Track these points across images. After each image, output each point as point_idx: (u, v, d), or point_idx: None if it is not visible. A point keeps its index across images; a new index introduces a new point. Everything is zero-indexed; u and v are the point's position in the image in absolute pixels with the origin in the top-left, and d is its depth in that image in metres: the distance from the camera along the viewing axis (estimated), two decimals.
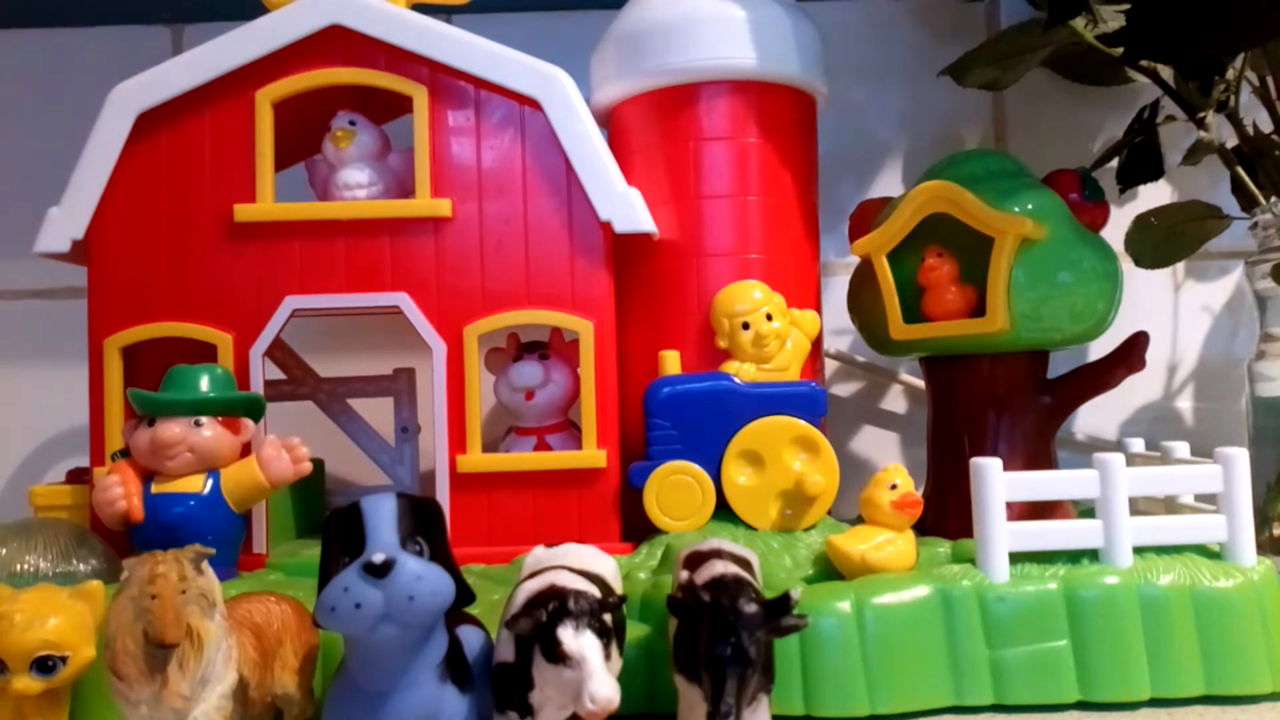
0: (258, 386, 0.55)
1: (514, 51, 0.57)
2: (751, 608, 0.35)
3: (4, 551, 0.47)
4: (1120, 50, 0.63)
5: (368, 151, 0.59)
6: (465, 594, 0.37)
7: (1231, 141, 0.69)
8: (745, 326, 0.57)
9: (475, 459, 0.56)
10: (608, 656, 0.34)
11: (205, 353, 0.55)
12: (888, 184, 0.80)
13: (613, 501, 0.56)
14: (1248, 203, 0.68)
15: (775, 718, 0.40)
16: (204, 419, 0.50)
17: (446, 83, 0.57)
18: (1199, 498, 0.53)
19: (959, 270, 0.56)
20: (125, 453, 0.51)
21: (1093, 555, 0.47)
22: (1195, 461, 0.53)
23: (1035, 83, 0.77)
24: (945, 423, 0.60)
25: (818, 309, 0.63)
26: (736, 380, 0.57)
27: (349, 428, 0.67)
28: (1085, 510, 0.58)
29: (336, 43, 0.56)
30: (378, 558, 0.34)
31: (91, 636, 0.38)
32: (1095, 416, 0.78)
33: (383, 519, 0.36)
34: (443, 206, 0.56)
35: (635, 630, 0.44)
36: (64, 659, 0.37)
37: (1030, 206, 0.54)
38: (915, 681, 0.44)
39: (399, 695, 0.36)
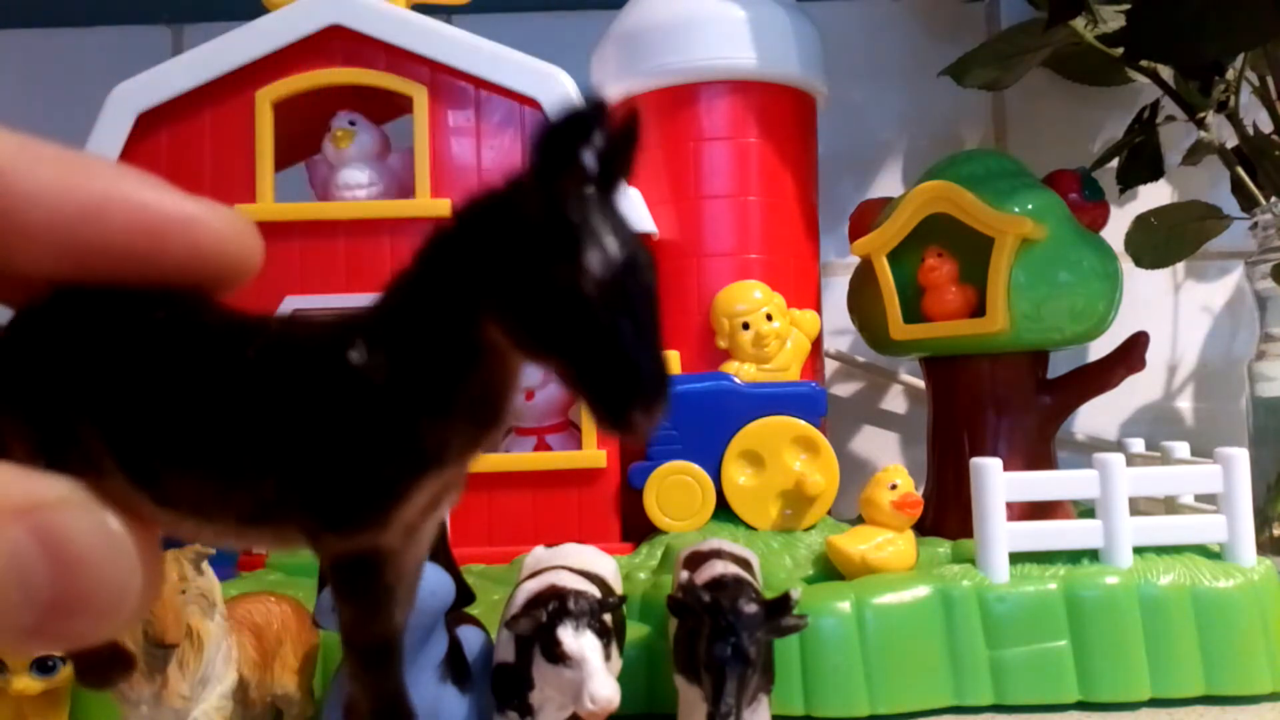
0: None
1: (514, 51, 0.57)
2: (751, 608, 0.35)
3: None
4: (1120, 50, 0.63)
5: (368, 151, 0.59)
6: (465, 594, 0.37)
7: (1231, 141, 0.69)
8: (745, 326, 0.57)
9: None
10: (608, 656, 0.34)
11: None
12: (888, 184, 0.80)
13: (613, 501, 0.56)
14: (1248, 203, 0.68)
15: (775, 718, 0.40)
16: None
17: (446, 83, 0.57)
18: (1199, 498, 0.53)
19: (959, 270, 0.56)
20: None
21: (1093, 555, 0.47)
22: (1195, 461, 0.53)
23: (1035, 83, 0.77)
24: (945, 423, 0.60)
25: (818, 309, 0.63)
26: (736, 380, 0.57)
27: None
28: (1085, 510, 0.58)
29: (336, 43, 0.56)
30: None
31: None
32: (1095, 416, 0.78)
33: None
34: (443, 206, 0.56)
35: (635, 630, 0.44)
36: (64, 659, 0.37)
37: (1030, 206, 0.54)
38: (915, 681, 0.44)
39: None
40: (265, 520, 0.15)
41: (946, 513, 0.57)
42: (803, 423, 0.55)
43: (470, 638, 0.39)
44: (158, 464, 0.15)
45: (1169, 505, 0.54)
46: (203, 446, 0.15)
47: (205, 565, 0.36)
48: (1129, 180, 0.75)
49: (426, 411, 0.15)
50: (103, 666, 0.18)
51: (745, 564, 0.41)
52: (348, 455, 0.15)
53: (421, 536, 0.17)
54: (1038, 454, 0.57)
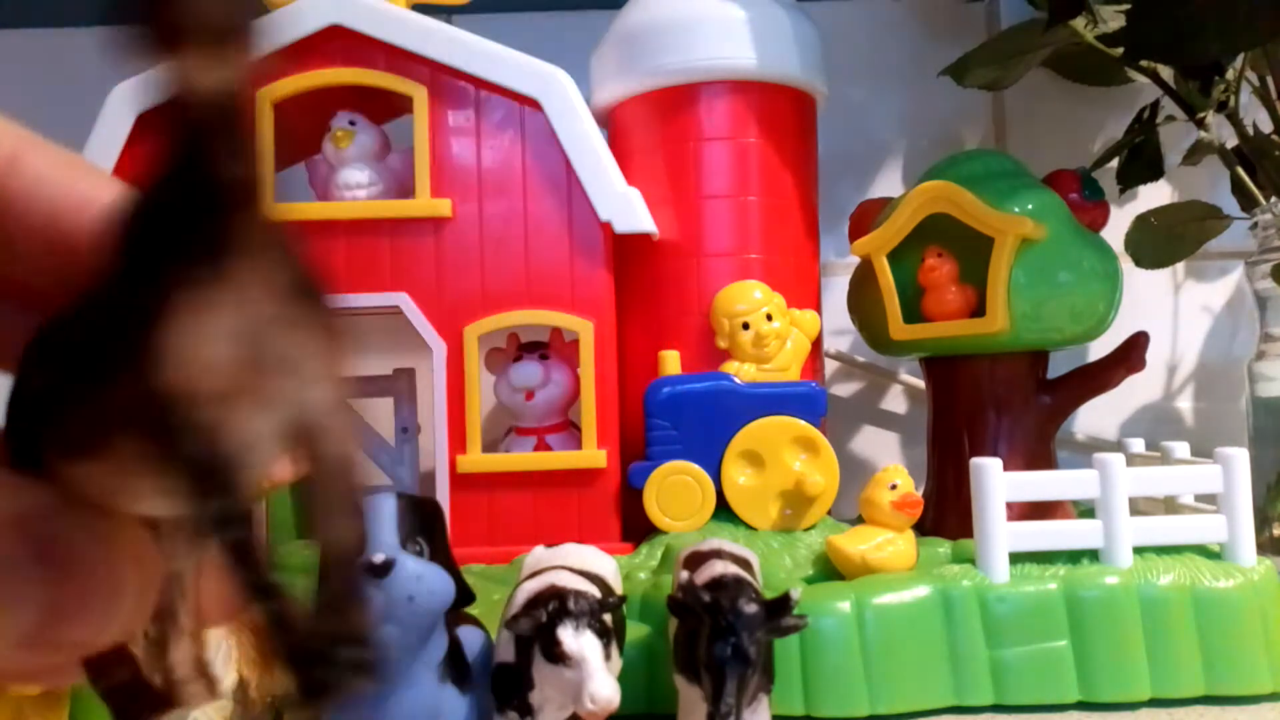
0: None
1: (514, 51, 0.57)
2: (751, 608, 0.35)
3: None
4: (1120, 50, 0.63)
5: (368, 151, 0.59)
6: (465, 594, 0.37)
7: (1231, 141, 0.69)
8: (745, 326, 0.57)
9: (475, 459, 0.56)
10: (608, 656, 0.34)
11: None
12: (888, 184, 0.80)
13: (613, 501, 0.56)
14: (1248, 203, 0.68)
15: (775, 718, 0.40)
16: None
17: (446, 83, 0.57)
18: (1199, 498, 0.53)
19: (959, 270, 0.56)
20: None
21: (1093, 555, 0.47)
22: (1195, 461, 0.53)
23: (1035, 83, 0.77)
24: (945, 423, 0.60)
25: (818, 309, 0.63)
26: (736, 380, 0.57)
27: None
28: (1085, 510, 0.58)
29: (336, 43, 0.56)
30: (377, 558, 0.34)
31: None
32: (1095, 416, 0.78)
33: (383, 519, 0.36)
34: (443, 206, 0.56)
35: (635, 630, 0.44)
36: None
37: (1030, 206, 0.54)
38: (915, 681, 0.44)
39: (399, 695, 0.36)
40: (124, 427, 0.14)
41: (946, 513, 0.57)
42: (803, 423, 0.55)
43: (470, 638, 0.39)
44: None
45: (1169, 505, 0.54)
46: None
47: None
48: (1129, 180, 0.75)
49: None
50: (137, 709, 0.18)
51: (745, 564, 0.41)
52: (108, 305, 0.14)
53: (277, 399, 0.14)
54: (1038, 454, 0.57)
